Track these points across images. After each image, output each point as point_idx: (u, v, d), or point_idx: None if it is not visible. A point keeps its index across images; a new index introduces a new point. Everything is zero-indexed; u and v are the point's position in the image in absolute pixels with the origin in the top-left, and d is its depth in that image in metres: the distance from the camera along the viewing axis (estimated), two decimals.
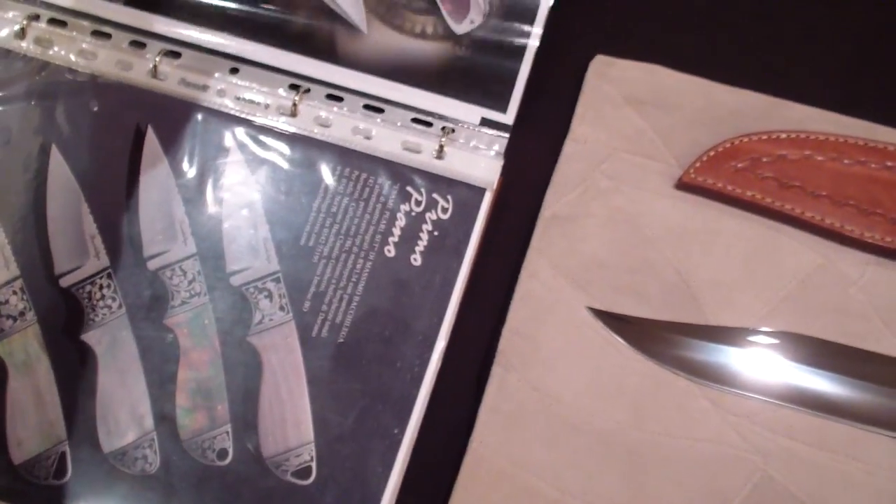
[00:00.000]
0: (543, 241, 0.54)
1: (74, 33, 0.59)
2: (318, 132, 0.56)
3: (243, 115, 0.57)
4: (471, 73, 0.57)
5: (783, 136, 0.56)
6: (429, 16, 0.58)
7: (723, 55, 0.60)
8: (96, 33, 0.59)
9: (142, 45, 0.59)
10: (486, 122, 0.56)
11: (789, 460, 0.50)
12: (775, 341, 0.52)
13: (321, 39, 0.58)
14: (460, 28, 0.57)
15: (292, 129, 0.56)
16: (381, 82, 0.57)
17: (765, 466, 0.50)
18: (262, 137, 0.56)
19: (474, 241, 0.54)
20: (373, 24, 0.58)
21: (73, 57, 0.58)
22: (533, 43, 0.57)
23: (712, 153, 0.55)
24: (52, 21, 0.59)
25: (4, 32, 0.59)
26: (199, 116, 0.57)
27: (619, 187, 0.56)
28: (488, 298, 0.54)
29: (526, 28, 0.58)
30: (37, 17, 0.60)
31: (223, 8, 0.59)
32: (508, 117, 0.56)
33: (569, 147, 0.57)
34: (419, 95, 0.56)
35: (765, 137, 0.56)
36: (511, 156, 0.56)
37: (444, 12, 0.57)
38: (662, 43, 0.60)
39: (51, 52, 0.59)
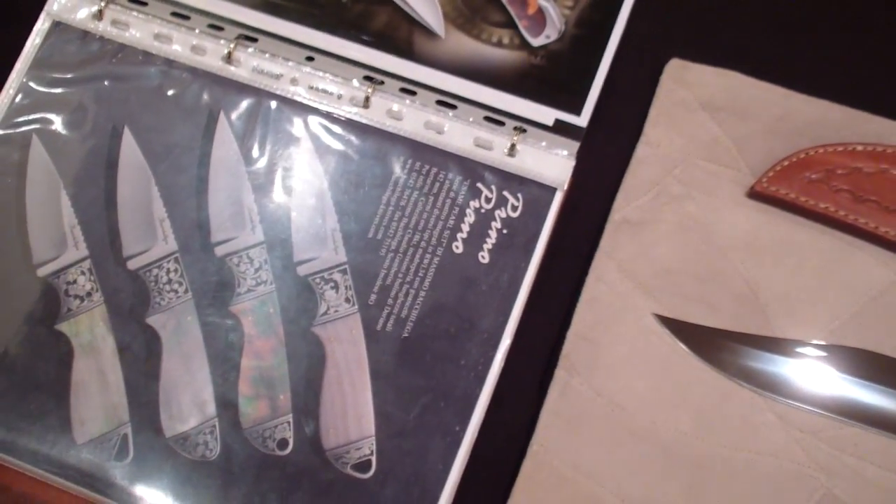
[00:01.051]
0: (612, 244, 0.54)
1: (152, 15, 0.59)
2: (389, 125, 0.56)
3: (315, 105, 0.57)
4: (546, 79, 0.57)
5: (859, 148, 0.55)
6: (506, 28, 0.58)
7: (802, 64, 0.59)
8: (175, 14, 0.59)
9: (219, 29, 0.59)
10: (559, 124, 0.56)
11: (854, 479, 0.49)
12: (842, 357, 0.51)
13: (399, 38, 0.58)
14: (536, 41, 0.57)
15: (364, 121, 0.56)
16: (455, 80, 0.57)
17: (829, 484, 0.49)
18: (333, 127, 0.56)
19: (543, 241, 0.53)
20: (450, 31, 0.58)
21: (149, 40, 0.58)
22: (609, 52, 0.57)
23: (786, 163, 0.55)
24: (132, 0, 0.60)
25: (83, 14, 0.59)
26: (272, 104, 0.57)
27: (691, 193, 0.55)
28: (554, 300, 0.54)
29: (602, 39, 0.57)
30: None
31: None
32: (583, 120, 0.56)
33: (641, 150, 0.56)
34: (493, 95, 0.56)
35: (840, 149, 0.55)
36: (582, 157, 0.56)
37: (520, 28, 0.57)
38: (740, 49, 0.59)
39: (127, 35, 0.59)
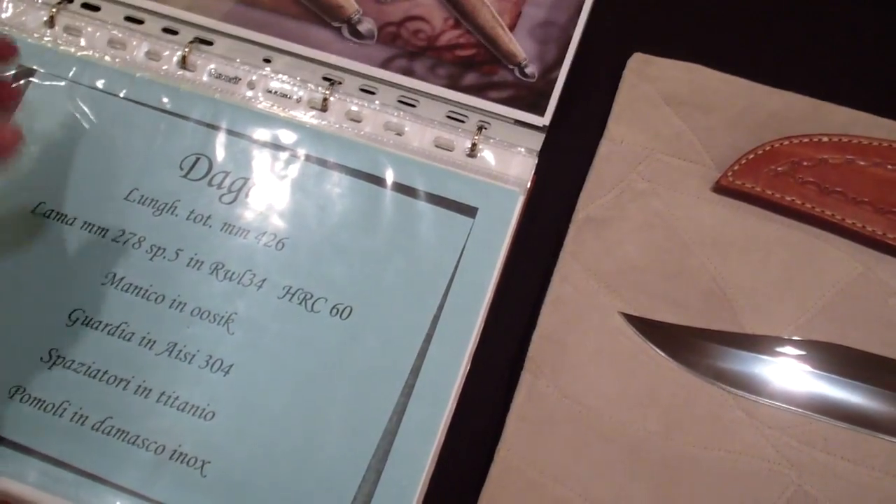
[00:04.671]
0: (577, 243, 0.53)
1: (106, 19, 0.58)
2: (347, 127, 0.55)
3: (271, 110, 0.56)
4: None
5: (825, 139, 0.54)
6: None
7: (766, 56, 0.59)
8: (129, 19, 0.58)
9: (174, 33, 0.58)
10: (522, 125, 0.55)
11: (824, 475, 0.49)
12: (812, 352, 0.51)
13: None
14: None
15: (321, 125, 0.55)
16: (416, 81, 0.56)
17: (799, 481, 0.49)
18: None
19: (506, 242, 0.53)
20: None
21: (103, 46, 0.57)
22: (571, 50, 0.56)
23: (751, 156, 0.54)
24: (85, 6, 0.59)
25: (34, 21, 0.58)
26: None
27: (656, 189, 0.54)
28: (519, 302, 0.53)
29: (563, 38, 0.57)
30: (70, 1, 0.59)
31: None
32: (545, 120, 0.55)
33: (604, 147, 0.55)
34: (454, 96, 0.55)
35: (806, 140, 0.54)
36: (545, 155, 0.55)
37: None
38: (703, 42, 0.59)
39: (81, 41, 0.58)
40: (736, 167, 0.54)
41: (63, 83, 0.57)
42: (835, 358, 0.51)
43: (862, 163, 0.54)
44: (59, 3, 0.59)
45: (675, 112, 0.56)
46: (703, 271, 0.53)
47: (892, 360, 0.51)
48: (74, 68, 0.57)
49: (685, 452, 0.49)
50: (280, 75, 0.57)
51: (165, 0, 0.59)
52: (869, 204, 0.53)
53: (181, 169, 0.55)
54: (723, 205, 0.54)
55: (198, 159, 0.55)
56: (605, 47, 0.58)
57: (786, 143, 0.54)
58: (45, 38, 0.58)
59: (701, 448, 0.49)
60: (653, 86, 0.57)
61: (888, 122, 0.55)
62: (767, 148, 0.54)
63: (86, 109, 0.56)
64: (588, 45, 0.58)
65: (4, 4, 0.59)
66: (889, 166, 0.54)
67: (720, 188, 0.54)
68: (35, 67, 0.58)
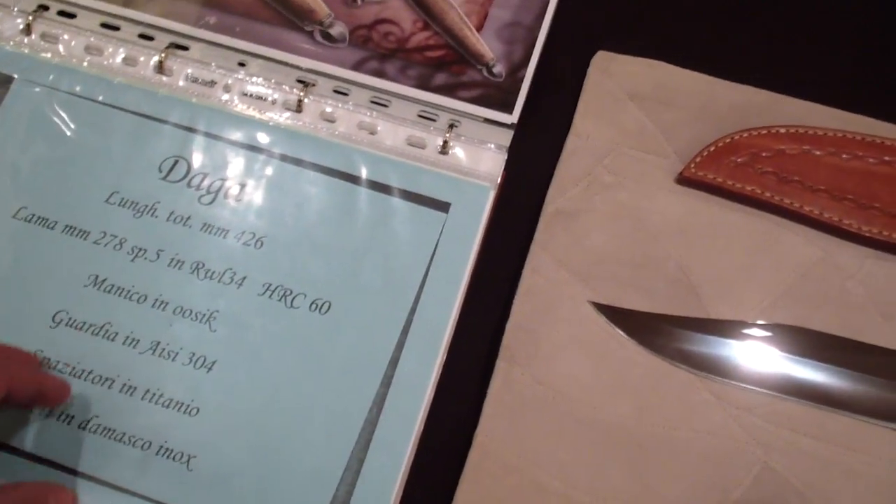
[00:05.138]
0: (546, 236, 0.55)
1: (83, 26, 0.59)
2: (322, 127, 0.57)
3: (247, 113, 0.57)
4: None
5: (782, 130, 0.56)
6: None
7: (725, 51, 0.61)
8: (105, 25, 0.60)
9: (149, 39, 0.59)
10: (491, 123, 0.57)
11: (790, 452, 0.51)
12: (775, 334, 0.53)
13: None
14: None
15: (296, 128, 0.57)
16: (387, 82, 0.58)
17: (766, 458, 0.51)
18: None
19: (478, 236, 0.54)
20: None
21: (80, 53, 0.59)
22: (537, 49, 0.58)
23: (712, 148, 0.56)
24: (61, 13, 0.60)
25: (10, 29, 0.59)
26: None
27: (622, 182, 0.56)
28: (493, 293, 0.55)
29: (530, 37, 0.58)
30: (46, 8, 0.60)
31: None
32: (513, 118, 0.57)
33: (571, 142, 0.57)
34: (425, 96, 0.57)
35: (764, 132, 0.56)
36: (514, 151, 0.57)
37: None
38: (665, 39, 0.61)
39: (58, 48, 0.59)
40: (698, 159, 0.56)
41: (41, 89, 0.58)
42: (796, 340, 0.53)
43: (818, 152, 0.56)
44: (36, 11, 0.60)
45: (638, 107, 0.58)
46: (668, 260, 0.55)
47: (850, 341, 0.53)
48: (52, 75, 0.58)
49: (656, 433, 0.51)
50: (255, 78, 0.58)
51: (141, 6, 0.60)
52: (825, 192, 0.55)
53: (160, 171, 0.56)
54: (686, 195, 0.56)
55: (176, 162, 0.56)
56: (570, 46, 0.60)
57: (745, 135, 0.56)
58: (23, 46, 0.59)
59: (671, 429, 0.51)
60: (617, 82, 0.59)
61: (842, 112, 0.58)
62: (728, 140, 0.56)
63: (64, 115, 0.57)
64: (553, 44, 0.60)
65: None
66: (844, 155, 0.56)
67: (683, 180, 0.56)
68: (13, 74, 0.58)
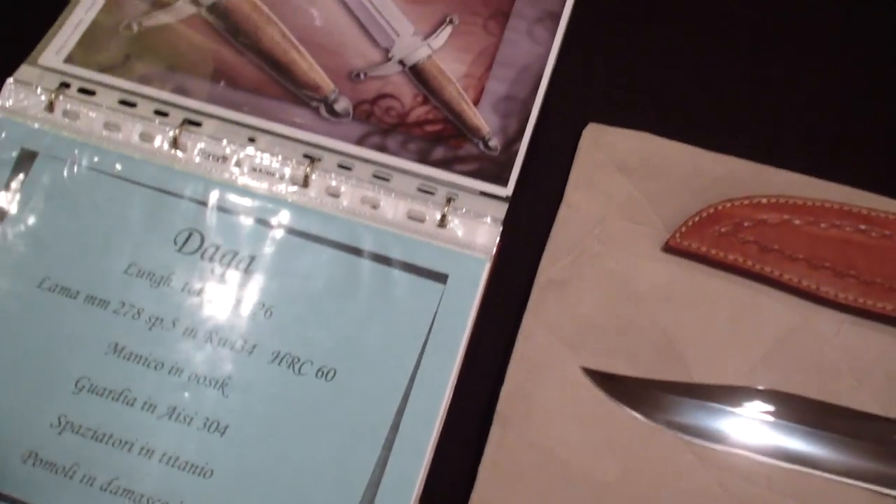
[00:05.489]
0: (539, 304, 0.58)
1: (102, 103, 0.63)
2: (327, 201, 0.60)
3: (257, 187, 0.61)
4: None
5: (763, 201, 0.59)
6: None
7: (711, 121, 0.64)
8: (123, 102, 0.63)
9: (164, 115, 0.63)
10: (486, 195, 0.60)
11: None
12: (755, 398, 0.56)
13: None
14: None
15: (303, 202, 0.60)
16: (387, 156, 0.61)
17: None
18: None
19: (474, 306, 0.58)
20: None
21: (99, 129, 0.62)
22: (530, 123, 0.62)
23: (697, 218, 0.59)
24: (81, 90, 0.63)
25: (35, 107, 0.63)
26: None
27: (611, 252, 0.59)
28: (488, 360, 0.58)
29: (523, 111, 0.62)
30: (67, 86, 0.64)
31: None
32: (508, 190, 0.60)
33: (563, 213, 0.60)
34: (423, 169, 0.60)
35: (746, 203, 0.59)
36: (509, 222, 0.60)
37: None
38: (653, 110, 0.64)
39: (78, 125, 0.62)
40: (683, 229, 0.59)
41: (63, 164, 0.62)
42: (776, 403, 0.56)
43: (797, 221, 0.59)
44: (58, 89, 0.63)
45: (627, 178, 0.61)
46: (654, 326, 0.58)
47: (828, 404, 0.56)
48: (74, 150, 0.62)
49: (642, 493, 0.54)
50: (264, 154, 0.61)
51: (156, 83, 0.63)
52: (804, 260, 0.58)
53: (175, 244, 0.60)
54: (672, 263, 0.59)
55: (190, 234, 0.60)
56: (562, 117, 0.64)
57: (728, 205, 0.59)
58: (46, 123, 0.63)
59: (656, 489, 0.54)
60: (606, 154, 0.62)
61: (820, 182, 0.61)
62: (711, 210, 0.59)
63: (85, 189, 0.61)
64: (546, 116, 0.63)
65: (7, 93, 0.63)
66: (822, 224, 0.59)
67: (669, 248, 0.59)
68: (37, 150, 0.62)
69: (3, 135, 0.62)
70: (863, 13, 0.68)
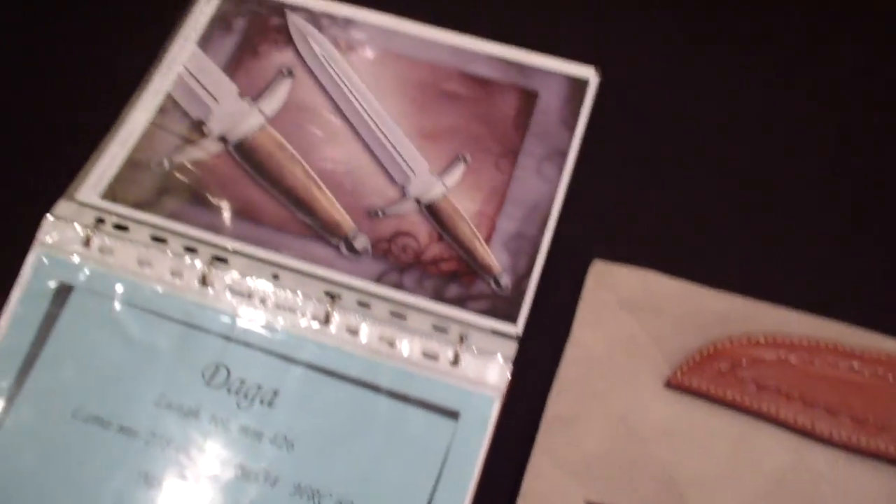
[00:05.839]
0: (546, 440, 0.61)
1: (135, 238, 0.67)
2: (347, 339, 0.64)
3: (281, 324, 0.64)
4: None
5: (761, 339, 0.63)
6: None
7: (712, 256, 0.67)
8: (154, 238, 0.67)
9: (193, 251, 0.67)
10: (497, 334, 0.63)
11: None
12: None
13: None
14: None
15: (324, 339, 0.64)
16: (401, 294, 0.65)
17: None
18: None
19: (485, 443, 0.61)
20: None
21: (133, 265, 0.66)
22: (539, 261, 0.65)
23: (697, 356, 0.62)
24: (116, 226, 0.67)
25: (72, 243, 0.67)
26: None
27: (615, 388, 0.63)
28: (498, 494, 0.61)
29: (532, 250, 0.66)
30: (102, 221, 0.68)
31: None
32: (518, 328, 0.63)
33: (570, 351, 0.64)
34: (437, 307, 0.64)
35: (744, 341, 0.63)
36: (518, 359, 0.63)
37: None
38: (657, 246, 0.67)
39: (111, 260, 0.66)
40: (684, 367, 0.62)
41: (99, 298, 0.65)
42: None
43: (793, 360, 0.62)
44: (94, 225, 0.67)
45: (631, 315, 0.65)
46: (656, 462, 0.61)
47: None
48: (108, 285, 0.66)
49: None
50: (287, 291, 0.65)
51: (185, 219, 0.67)
52: (799, 398, 0.61)
53: (203, 377, 0.63)
54: (674, 400, 0.62)
55: (217, 368, 0.63)
56: (569, 254, 0.67)
57: (727, 343, 0.63)
58: (83, 257, 0.66)
59: None
60: (611, 292, 0.65)
61: (816, 319, 0.64)
62: (711, 349, 0.62)
63: (119, 322, 0.65)
64: (554, 253, 0.67)
65: (47, 228, 0.67)
66: (816, 363, 0.62)
67: (671, 386, 0.62)
68: (73, 284, 0.66)
69: (43, 269, 0.66)
70: (857, 153, 0.72)
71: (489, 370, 0.63)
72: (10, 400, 0.63)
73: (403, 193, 0.69)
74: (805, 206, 0.70)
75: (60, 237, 0.67)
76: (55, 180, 0.69)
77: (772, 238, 0.68)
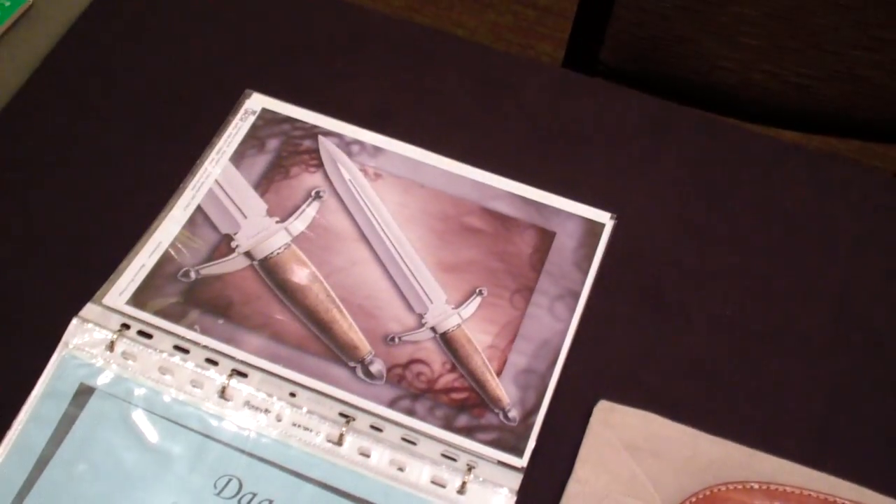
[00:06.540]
0: None
1: (158, 346, 0.69)
2: (359, 460, 0.66)
3: (295, 442, 0.66)
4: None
5: (755, 486, 0.65)
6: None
7: (711, 403, 0.70)
8: (177, 348, 0.70)
9: (214, 364, 0.69)
10: (503, 466, 0.66)
11: None
12: None
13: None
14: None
15: (336, 459, 0.66)
16: (412, 420, 0.67)
17: None
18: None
19: None
20: None
21: (154, 372, 0.68)
22: (547, 397, 0.68)
23: (693, 499, 0.65)
24: (140, 333, 0.70)
25: (96, 347, 0.69)
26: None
27: None
28: None
29: (541, 386, 0.68)
30: (127, 327, 0.70)
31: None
32: (523, 461, 0.66)
33: (571, 487, 0.66)
34: (449, 436, 0.66)
35: (739, 487, 0.65)
36: (522, 492, 0.65)
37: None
38: (660, 387, 0.70)
39: (133, 365, 0.69)
40: None
41: (118, 402, 0.68)
42: None
43: None
44: (119, 330, 0.70)
45: (632, 456, 0.67)
46: None
47: None
48: (129, 389, 0.68)
49: None
50: (303, 409, 0.67)
51: (208, 332, 0.70)
52: None
53: (215, 487, 0.65)
54: None
55: (230, 480, 0.65)
56: (575, 391, 0.70)
57: (722, 488, 0.65)
58: (105, 360, 0.69)
59: None
60: (615, 432, 0.68)
61: (808, 470, 0.67)
62: (707, 492, 0.65)
63: (136, 427, 0.67)
64: (561, 390, 0.70)
65: (73, 330, 0.69)
66: None
67: None
68: (94, 387, 0.68)
69: (66, 370, 0.68)
70: (856, 309, 0.76)
71: (494, 501, 0.65)
72: (21, 497, 0.64)
73: (420, 322, 0.72)
74: (805, 359, 0.73)
75: (85, 339, 0.69)
76: (85, 284, 0.72)
77: (771, 388, 0.71)
